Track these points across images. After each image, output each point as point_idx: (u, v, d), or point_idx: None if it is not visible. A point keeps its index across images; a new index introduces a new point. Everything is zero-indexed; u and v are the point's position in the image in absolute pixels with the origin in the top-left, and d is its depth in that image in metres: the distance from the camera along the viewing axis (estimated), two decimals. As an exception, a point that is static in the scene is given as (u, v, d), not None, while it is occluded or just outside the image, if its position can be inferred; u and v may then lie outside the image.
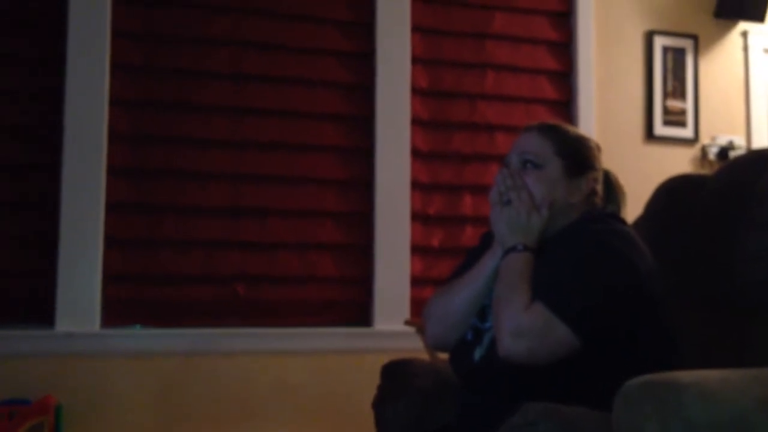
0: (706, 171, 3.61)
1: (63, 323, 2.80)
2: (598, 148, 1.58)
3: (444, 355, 1.90)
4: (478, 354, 1.46)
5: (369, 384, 3.05)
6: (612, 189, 1.60)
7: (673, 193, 1.86)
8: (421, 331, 2.49)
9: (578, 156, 1.53)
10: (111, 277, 2.89)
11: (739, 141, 3.64)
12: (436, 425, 1.63)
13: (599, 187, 1.55)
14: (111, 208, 2.90)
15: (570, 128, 1.59)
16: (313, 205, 3.17)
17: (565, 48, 3.52)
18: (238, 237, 3.06)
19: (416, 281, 3.24)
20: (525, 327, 1.32)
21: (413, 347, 3.04)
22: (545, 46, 3.51)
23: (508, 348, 1.33)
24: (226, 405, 2.95)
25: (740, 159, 1.82)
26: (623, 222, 1.51)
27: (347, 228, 3.21)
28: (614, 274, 1.37)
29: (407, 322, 2.74)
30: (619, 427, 0.98)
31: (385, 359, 3.06)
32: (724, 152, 3.60)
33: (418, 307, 3.21)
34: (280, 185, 3.14)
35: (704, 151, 3.61)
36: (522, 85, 3.47)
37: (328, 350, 3.09)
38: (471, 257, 1.60)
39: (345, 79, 3.25)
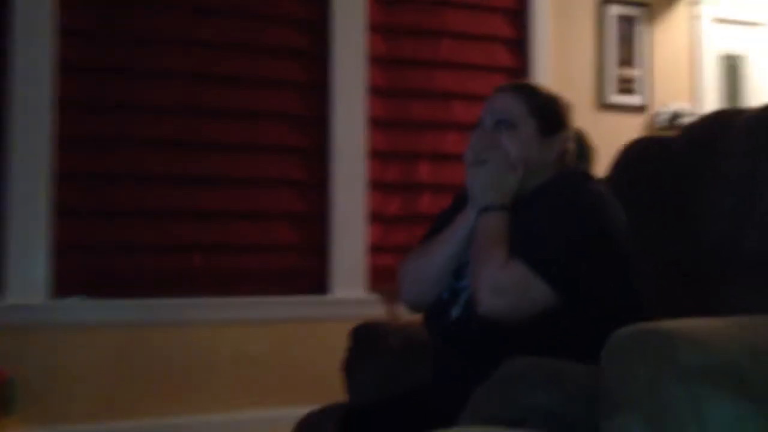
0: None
1: (13, 295, 2.71)
2: (570, 107, 1.59)
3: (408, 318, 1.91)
4: (455, 312, 1.46)
5: (327, 352, 3.04)
6: (583, 148, 1.61)
7: (638, 154, 1.88)
8: (386, 296, 2.49)
9: (551, 115, 1.53)
10: (62, 248, 2.81)
11: (688, 108, 3.70)
12: (408, 385, 1.62)
13: (571, 146, 1.56)
14: (61, 177, 2.81)
15: (542, 88, 1.59)
16: (269, 173, 3.12)
17: (520, 16, 3.52)
18: (194, 206, 3.00)
19: (374, 249, 3.23)
20: (504, 283, 1.33)
21: (371, 314, 3.05)
22: (501, 14, 3.51)
23: (487, 304, 1.33)
24: (182, 376, 2.91)
25: (704, 119, 1.84)
26: (597, 180, 1.52)
27: (304, 196, 3.18)
28: (589, 229, 1.38)
29: (373, 288, 2.71)
30: (610, 376, 0.98)
31: (343, 327, 3.05)
32: (673, 119, 3.66)
33: (376, 274, 3.21)
34: (235, 153, 3.08)
35: (654, 119, 3.66)
36: (478, 53, 3.46)
37: (285, 319, 3.07)
38: (444, 218, 1.60)
39: (300, 46, 3.20)
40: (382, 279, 3.19)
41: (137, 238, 2.92)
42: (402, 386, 1.63)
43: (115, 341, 2.84)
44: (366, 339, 1.77)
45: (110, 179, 2.91)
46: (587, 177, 1.52)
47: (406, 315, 2.53)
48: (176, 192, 2.98)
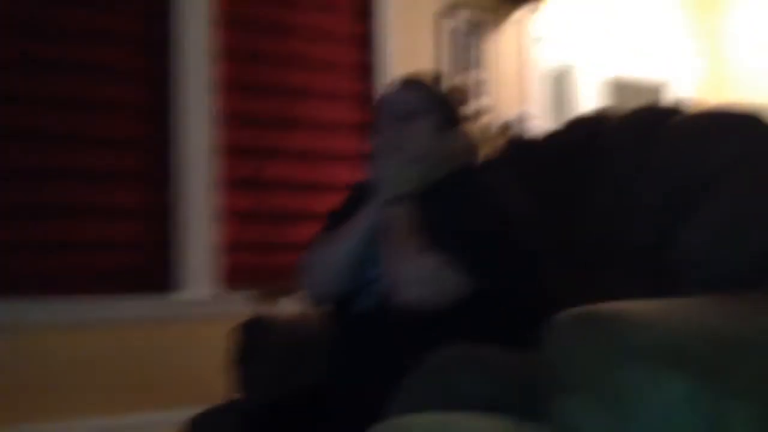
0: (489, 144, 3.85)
1: None
2: (467, 101, 1.63)
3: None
4: (365, 304, 1.45)
5: (177, 354, 2.93)
6: (473, 145, 1.66)
7: (510, 155, 1.96)
8: (262, 296, 2.41)
9: (449, 110, 1.57)
10: None
11: (520, 119, 3.92)
12: (303, 381, 1.59)
13: (465, 141, 1.60)
14: None
15: (441, 82, 1.62)
16: (108, 167, 2.94)
17: (364, 18, 3.56)
18: (25, 201, 2.76)
19: (223, 247, 3.13)
20: (421, 273, 1.34)
21: (218, 314, 2.96)
22: (348, 11, 3.54)
23: (405, 294, 1.34)
24: (15, 384, 2.66)
25: (570, 123, 1.95)
26: (498, 171, 1.57)
27: (148, 191, 3.03)
28: (498, 218, 1.42)
29: (254, 288, 2.61)
30: (557, 359, 1.01)
31: (192, 328, 2.97)
32: (504, 130, 3.85)
33: (228, 273, 3.12)
34: (73, 145, 2.88)
35: (486, 128, 3.83)
36: (324, 52, 3.46)
37: (130, 320, 2.90)
38: (343, 213, 1.59)
39: (141, 35, 3.05)
40: (234, 279, 3.11)
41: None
42: (296, 381, 1.60)
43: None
44: (258, 333, 1.71)
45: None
46: (485, 169, 1.57)
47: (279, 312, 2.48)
48: (7, 187, 2.73)
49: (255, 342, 1.69)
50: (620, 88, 4.42)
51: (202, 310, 3.01)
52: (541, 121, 4.02)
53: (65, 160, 2.86)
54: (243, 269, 3.16)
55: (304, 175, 3.36)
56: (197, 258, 3.05)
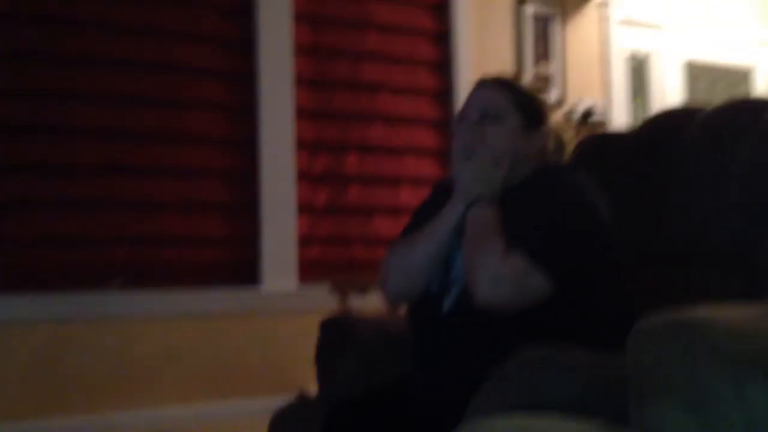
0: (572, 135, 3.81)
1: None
2: (548, 103, 1.63)
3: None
4: (446, 305, 1.47)
5: (258, 345, 3.02)
6: (560, 143, 1.65)
7: (594, 151, 1.94)
8: (338, 288, 2.46)
9: (534, 110, 1.56)
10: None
11: (599, 106, 3.86)
12: (384, 378, 1.62)
13: (550, 142, 1.60)
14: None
15: (523, 83, 1.62)
16: (195, 163, 3.03)
17: (442, 9, 3.56)
18: (119, 196, 2.88)
19: (302, 241, 3.20)
20: (504, 274, 1.34)
21: (303, 306, 3.04)
22: (423, 8, 3.54)
23: (487, 295, 1.35)
24: (106, 375, 2.79)
25: (655, 118, 1.93)
26: (580, 172, 1.56)
27: (231, 186, 3.11)
28: (583, 221, 1.42)
29: (330, 281, 2.66)
30: (643, 362, 1.01)
31: (275, 320, 3.04)
32: (585, 117, 3.80)
33: (305, 267, 3.18)
34: (159, 143, 2.98)
35: (568, 117, 3.80)
36: (402, 46, 3.48)
37: (215, 312, 2.99)
38: (425, 211, 1.60)
39: (226, 35, 3.12)
40: (312, 272, 3.17)
41: (59, 230, 2.77)
42: (377, 379, 1.63)
43: (36, 338, 2.69)
44: (338, 330, 1.75)
45: (28, 168, 2.74)
46: (572, 170, 1.57)
47: (357, 307, 2.53)
48: (101, 182, 2.85)
49: (337, 338, 1.73)
50: (703, 73, 4.30)
51: (286, 302, 3.08)
52: (622, 109, 3.96)
53: (156, 157, 2.95)
54: (321, 263, 3.21)
55: (381, 170, 3.39)
56: (281, 251, 3.12)
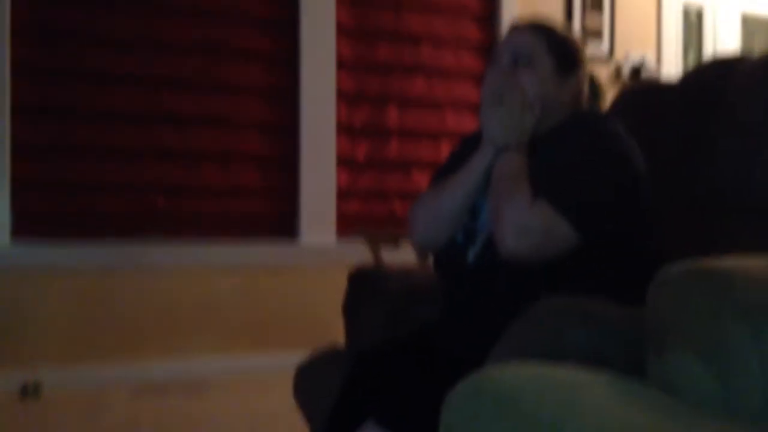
0: (620, 87, 3.70)
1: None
2: (583, 48, 1.56)
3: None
4: (472, 253, 1.43)
5: (297, 299, 3.03)
6: (595, 89, 1.59)
7: (636, 99, 1.87)
8: (371, 240, 2.45)
9: (568, 54, 1.50)
10: (22, 188, 2.68)
11: (650, 59, 3.74)
12: (412, 328, 1.60)
13: (585, 87, 1.54)
14: (18, 112, 2.67)
15: (558, 27, 1.55)
16: (236, 114, 3.04)
17: (488, -40, 3.48)
18: (159, 145, 2.90)
19: (341, 194, 3.19)
20: (530, 224, 1.30)
21: (341, 261, 3.02)
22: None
23: (512, 245, 1.31)
24: (148, 324, 2.84)
25: (699, 68, 1.85)
26: (613, 119, 1.50)
27: (271, 139, 3.11)
28: (614, 170, 1.37)
29: (358, 233, 2.65)
30: (662, 313, 0.98)
31: (313, 273, 3.05)
32: (636, 72, 3.69)
33: (343, 221, 3.17)
34: (202, 93, 2.99)
35: (618, 70, 3.69)
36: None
37: (254, 265, 3.02)
38: (454, 159, 1.57)
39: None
40: (350, 226, 3.16)
41: (100, 178, 2.81)
42: (405, 329, 1.61)
43: (78, 285, 2.75)
44: (366, 282, 1.74)
45: (72, 116, 2.78)
46: (606, 117, 1.51)
47: (389, 260, 2.51)
48: (141, 130, 2.88)
49: (365, 291, 1.72)
50: (759, 26, 4.12)
51: (324, 256, 3.09)
52: (673, 63, 3.83)
53: (198, 106, 2.96)
54: (359, 216, 3.20)
55: (422, 124, 3.34)
56: (319, 205, 3.12)
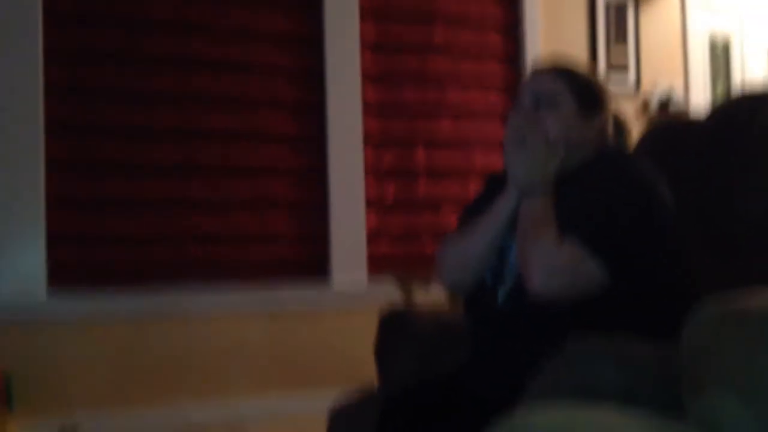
0: (647, 120, 3.70)
1: (9, 289, 2.63)
2: (607, 88, 1.58)
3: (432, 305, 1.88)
4: (501, 295, 1.44)
5: (329, 342, 3.04)
6: (620, 128, 1.60)
7: (662, 138, 1.88)
8: (402, 282, 2.46)
9: (590, 94, 1.52)
10: (58, 240, 2.73)
11: (678, 91, 3.74)
12: (442, 371, 1.60)
13: (609, 127, 1.55)
14: (54, 166, 2.73)
15: (580, 68, 1.57)
16: (265, 162, 3.07)
17: (511, 2, 3.51)
18: (190, 196, 2.94)
19: (371, 236, 3.20)
20: (559, 263, 1.31)
21: (372, 303, 3.02)
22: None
23: (541, 285, 1.31)
24: (184, 369, 2.86)
25: (725, 105, 1.85)
26: (641, 158, 1.51)
27: (301, 185, 3.14)
28: (640, 208, 1.37)
29: (389, 274, 2.66)
30: (699, 353, 0.97)
31: (345, 316, 3.06)
32: (664, 105, 3.69)
33: (374, 262, 3.18)
34: (231, 142, 3.03)
35: (645, 104, 3.69)
36: (471, 39, 3.44)
37: (286, 308, 3.03)
38: (479, 202, 1.58)
39: (294, 33, 3.15)
40: (380, 267, 3.17)
41: (133, 229, 2.85)
42: (435, 372, 1.61)
43: (114, 334, 2.77)
44: (396, 325, 1.74)
45: (105, 169, 2.83)
46: (632, 155, 1.52)
47: (421, 301, 2.52)
48: (172, 182, 2.92)
49: (396, 333, 1.72)
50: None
51: (356, 298, 3.09)
52: (701, 94, 3.82)
53: (228, 156, 3.00)
54: (390, 258, 3.21)
55: (451, 163, 3.36)
56: (350, 247, 3.13)
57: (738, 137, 1.66)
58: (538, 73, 1.54)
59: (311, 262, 3.13)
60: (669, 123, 1.92)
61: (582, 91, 1.50)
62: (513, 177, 1.46)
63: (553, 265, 1.31)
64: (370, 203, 3.21)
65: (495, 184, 1.55)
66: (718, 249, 1.59)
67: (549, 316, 1.34)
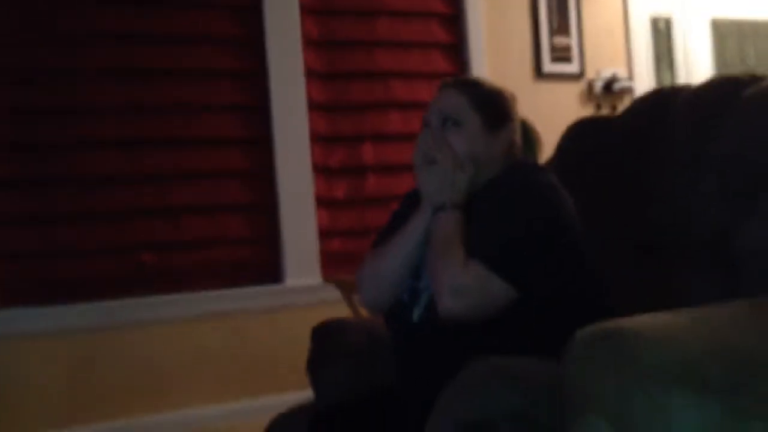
0: (593, 104, 3.74)
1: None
2: (514, 98, 1.60)
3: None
4: (416, 314, 1.47)
5: (287, 341, 3.07)
6: (529, 138, 1.64)
7: (581, 137, 1.91)
8: (343, 288, 2.50)
9: (495, 109, 1.54)
10: (6, 255, 2.75)
11: (622, 73, 3.78)
12: (374, 384, 1.64)
13: (517, 138, 1.58)
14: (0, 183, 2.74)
15: (485, 81, 1.60)
16: (212, 166, 3.09)
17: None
18: (139, 204, 2.96)
19: (323, 234, 3.23)
20: (464, 284, 1.34)
21: (327, 300, 3.07)
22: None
23: (448, 306, 1.35)
24: (143, 378, 2.89)
25: (642, 100, 1.88)
26: (544, 171, 1.54)
27: (250, 187, 3.16)
28: (543, 222, 1.40)
29: (327, 280, 2.73)
30: (573, 379, 1.01)
31: (301, 315, 3.08)
32: (608, 86, 3.73)
33: (327, 260, 3.22)
34: (177, 148, 3.05)
35: (590, 86, 3.73)
36: (414, 31, 3.46)
37: (242, 311, 3.06)
38: (397, 219, 1.61)
39: (235, 35, 3.15)
40: (334, 265, 3.20)
41: (85, 241, 2.87)
42: (368, 384, 1.65)
43: (69, 348, 2.80)
44: (328, 337, 1.78)
45: (51, 183, 2.85)
46: (536, 168, 1.55)
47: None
48: (119, 191, 2.94)
49: (328, 345, 1.76)
50: (730, 30, 4.14)
51: (310, 297, 3.12)
52: (647, 76, 3.86)
53: (175, 162, 3.03)
54: (343, 255, 3.24)
55: (400, 157, 3.38)
56: (302, 247, 3.16)
57: (649, 135, 1.70)
58: (443, 90, 1.56)
59: (265, 264, 3.16)
60: (587, 122, 1.96)
61: (486, 106, 1.52)
62: (424, 195, 1.50)
63: (460, 285, 1.34)
64: (321, 202, 3.24)
65: (412, 201, 1.59)
66: (636, 251, 1.64)
67: (460, 335, 1.38)
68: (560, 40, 3.68)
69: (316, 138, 3.24)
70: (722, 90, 1.63)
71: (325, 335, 1.78)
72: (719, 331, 1.00)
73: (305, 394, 1.86)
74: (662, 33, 4.00)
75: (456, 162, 1.48)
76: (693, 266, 1.50)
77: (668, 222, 1.59)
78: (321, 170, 3.25)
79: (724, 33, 4.14)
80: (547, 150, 2.06)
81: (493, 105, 1.54)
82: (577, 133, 1.93)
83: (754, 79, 1.58)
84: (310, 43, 3.25)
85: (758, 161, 1.44)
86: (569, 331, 1.30)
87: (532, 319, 1.37)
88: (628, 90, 3.78)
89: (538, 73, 3.65)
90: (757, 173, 1.43)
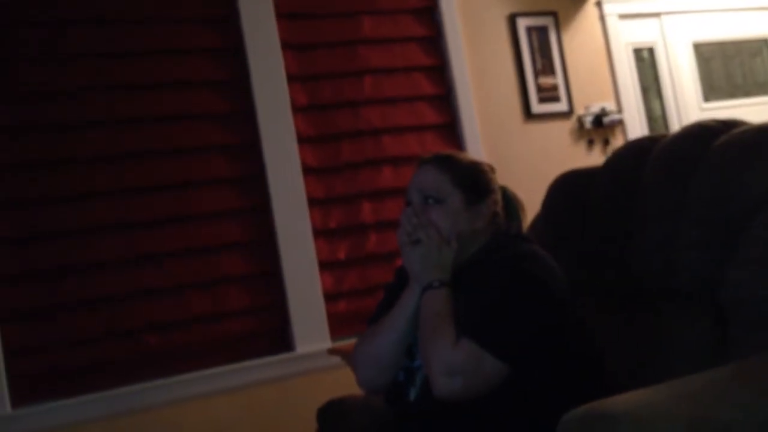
0: (584, 140, 3.76)
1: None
2: (492, 170, 1.63)
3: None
4: (412, 394, 1.48)
5: (301, 409, 3.05)
6: (511, 204, 1.65)
7: (564, 192, 1.93)
8: (347, 359, 2.50)
9: (476, 184, 1.56)
10: (13, 353, 2.76)
11: (611, 107, 3.80)
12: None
13: (499, 208, 1.60)
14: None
15: (463, 156, 1.62)
16: (212, 240, 3.11)
17: (435, 43, 3.57)
18: (140, 286, 2.98)
19: (328, 297, 3.24)
20: (455, 365, 1.35)
21: (339, 365, 3.07)
22: (416, 43, 3.55)
23: (442, 388, 1.36)
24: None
25: (622, 150, 1.90)
26: (529, 240, 1.56)
27: (251, 257, 3.18)
28: (531, 298, 1.41)
29: (330, 351, 2.74)
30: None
31: (313, 381, 3.09)
32: (598, 120, 3.75)
33: (334, 322, 3.22)
34: (174, 225, 3.07)
35: (581, 122, 3.75)
36: (400, 85, 3.50)
37: (254, 383, 3.06)
38: (389, 294, 1.62)
39: (225, 110, 3.20)
40: (341, 327, 3.21)
41: (88, 331, 2.88)
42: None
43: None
44: (332, 419, 1.78)
45: (50, 274, 2.87)
46: (518, 239, 1.56)
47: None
48: (120, 275, 2.95)
49: (330, 427, 1.76)
50: (714, 52, 4.17)
51: (321, 361, 3.12)
52: (635, 105, 3.89)
53: (174, 240, 3.05)
54: (350, 315, 3.25)
55: (397, 211, 3.40)
56: (309, 312, 3.16)
57: (629, 187, 1.71)
58: (422, 167, 1.59)
59: (273, 333, 3.16)
60: (572, 174, 1.98)
61: (466, 182, 1.54)
62: (411, 274, 1.51)
63: (451, 366, 1.35)
64: (323, 264, 3.25)
65: (404, 273, 1.60)
66: (619, 307, 1.64)
67: (456, 414, 1.38)
68: (546, 80, 3.72)
69: (313, 202, 3.27)
70: (695, 139, 1.65)
71: (328, 416, 1.79)
72: (695, 408, 1.01)
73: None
74: (646, 62, 4.03)
75: (440, 240, 1.50)
76: (682, 317, 1.51)
77: (654, 273, 1.60)
78: (321, 233, 3.27)
79: (708, 55, 4.16)
80: (538, 197, 2.07)
81: (473, 180, 1.56)
82: (561, 188, 1.95)
83: (725, 126, 1.60)
84: (298, 109, 3.30)
85: (733, 209, 1.45)
86: (564, 405, 1.32)
87: (526, 395, 1.37)
88: (619, 122, 3.80)
89: (528, 114, 3.67)
90: (734, 220, 1.44)
